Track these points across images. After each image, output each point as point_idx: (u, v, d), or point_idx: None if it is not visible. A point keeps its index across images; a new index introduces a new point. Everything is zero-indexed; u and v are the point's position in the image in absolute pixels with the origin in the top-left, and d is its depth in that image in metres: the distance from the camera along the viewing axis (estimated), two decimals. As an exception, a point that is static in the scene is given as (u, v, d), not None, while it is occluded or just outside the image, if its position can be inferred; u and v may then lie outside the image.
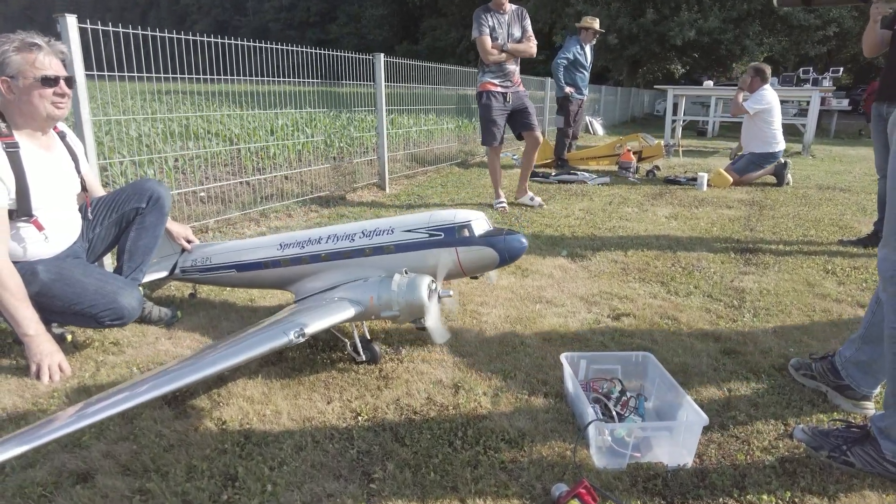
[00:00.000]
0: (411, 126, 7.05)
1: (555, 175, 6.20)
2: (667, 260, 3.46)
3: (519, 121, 4.84)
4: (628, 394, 1.87)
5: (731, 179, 5.73)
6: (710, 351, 2.28)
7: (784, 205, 5.09)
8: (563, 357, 1.95)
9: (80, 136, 2.84)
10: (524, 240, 2.25)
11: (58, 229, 2.19)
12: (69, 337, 2.33)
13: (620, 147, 6.55)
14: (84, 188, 2.40)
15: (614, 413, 1.77)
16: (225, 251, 2.62)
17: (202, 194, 4.32)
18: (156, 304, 2.57)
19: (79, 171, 2.35)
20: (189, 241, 2.72)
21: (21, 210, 2.05)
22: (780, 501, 1.47)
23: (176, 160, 4.92)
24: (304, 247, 2.41)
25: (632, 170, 6.31)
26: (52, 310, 2.14)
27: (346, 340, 2.17)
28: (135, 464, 1.59)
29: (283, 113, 6.06)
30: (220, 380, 2.02)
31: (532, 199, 5.03)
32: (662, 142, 6.58)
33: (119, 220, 2.45)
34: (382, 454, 1.65)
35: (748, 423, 1.81)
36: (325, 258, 2.37)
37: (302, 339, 1.84)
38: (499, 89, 4.68)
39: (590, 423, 1.62)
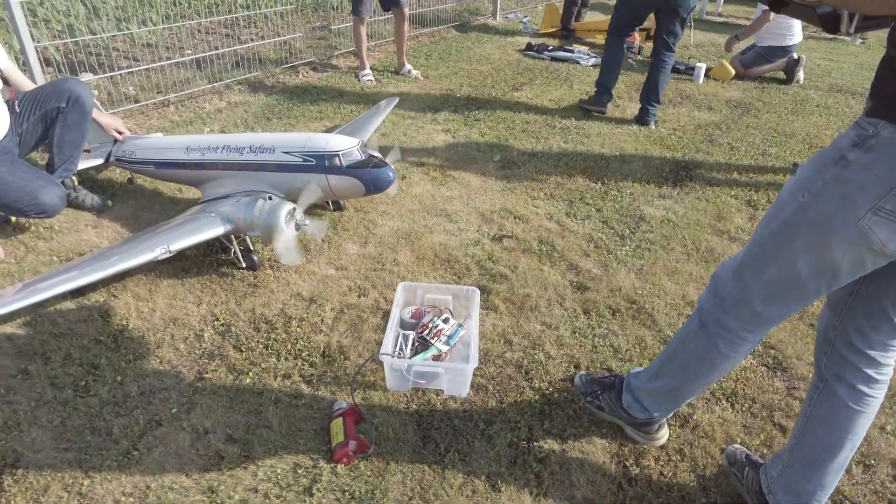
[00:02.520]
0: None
1: (549, 51, 5.85)
2: (593, 174, 3.49)
3: None
4: (451, 322, 2.14)
5: (733, 72, 5.30)
6: (559, 285, 2.48)
7: (772, 110, 4.78)
8: (400, 286, 2.21)
9: (11, 18, 2.95)
10: (391, 173, 2.38)
11: (-22, 130, 2.44)
12: (13, 219, 2.71)
13: (630, 21, 6.00)
14: (6, 83, 2.61)
15: (408, 345, 2.03)
16: (146, 147, 2.85)
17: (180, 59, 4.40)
18: (90, 192, 2.88)
19: (-3, 69, 2.54)
20: (121, 133, 2.94)
21: (-63, 114, 2.29)
22: (514, 438, 1.79)
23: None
24: (203, 153, 2.62)
25: (633, 50, 5.88)
26: (-17, 201, 2.49)
27: (231, 247, 2.46)
28: (28, 347, 2.02)
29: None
30: (125, 273, 2.37)
31: (410, 71, 5.11)
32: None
33: (43, 117, 2.66)
34: (220, 359, 2.02)
35: (544, 362, 2.08)
36: (220, 167, 2.58)
37: (168, 255, 2.15)
38: None
39: (371, 357, 1.93)
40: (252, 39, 5.48)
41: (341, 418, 1.75)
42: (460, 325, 2.13)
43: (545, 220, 2.98)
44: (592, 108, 4.48)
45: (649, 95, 4.20)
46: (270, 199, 2.26)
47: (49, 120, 2.68)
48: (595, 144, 3.92)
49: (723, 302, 1.41)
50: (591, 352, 2.15)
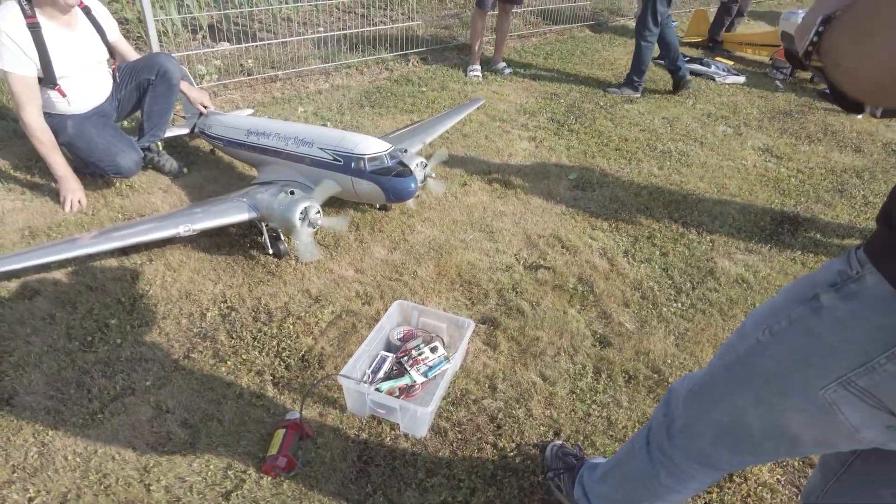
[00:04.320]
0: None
1: (683, 62, 5.24)
2: (675, 210, 3.07)
3: None
4: (438, 353, 2.02)
5: (907, 109, 4.33)
6: (578, 334, 2.22)
7: (950, 161, 3.85)
8: (395, 303, 2.12)
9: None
10: (412, 185, 2.29)
11: (80, 94, 2.74)
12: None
13: (791, 35, 5.17)
14: (113, 56, 2.91)
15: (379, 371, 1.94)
16: (221, 123, 3.03)
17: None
18: (171, 158, 3.14)
19: (106, 42, 2.84)
20: (206, 107, 3.17)
21: (47, 79, 2.60)
22: (450, 498, 1.63)
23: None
24: (259, 138, 2.72)
25: (784, 71, 5.06)
26: (79, 157, 2.82)
27: (264, 232, 2.54)
28: (65, 294, 2.26)
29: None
30: (165, 240, 2.53)
31: (504, 68, 5.00)
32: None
33: (137, 87, 2.94)
34: (210, 341, 2.10)
35: (521, 420, 1.87)
36: (269, 154, 2.67)
37: (191, 234, 2.28)
38: None
39: (329, 375, 1.86)
40: (383, 23, 5.62)
41: (284, 430, 1.73)
42: (447, 358, 2.00)
43: (596, 255, 2.68)
44: (616, 93, 4.71)
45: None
46: (292, 193, 2.28)
47: (141, 90, 2.96)
48: (694, 176, 3.45)
49: (671, 426, 1.13)
50: (581, 420, 1.89)
